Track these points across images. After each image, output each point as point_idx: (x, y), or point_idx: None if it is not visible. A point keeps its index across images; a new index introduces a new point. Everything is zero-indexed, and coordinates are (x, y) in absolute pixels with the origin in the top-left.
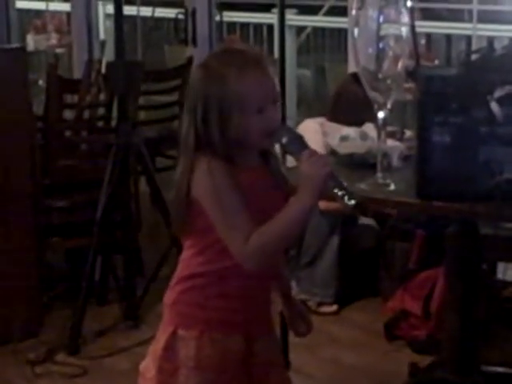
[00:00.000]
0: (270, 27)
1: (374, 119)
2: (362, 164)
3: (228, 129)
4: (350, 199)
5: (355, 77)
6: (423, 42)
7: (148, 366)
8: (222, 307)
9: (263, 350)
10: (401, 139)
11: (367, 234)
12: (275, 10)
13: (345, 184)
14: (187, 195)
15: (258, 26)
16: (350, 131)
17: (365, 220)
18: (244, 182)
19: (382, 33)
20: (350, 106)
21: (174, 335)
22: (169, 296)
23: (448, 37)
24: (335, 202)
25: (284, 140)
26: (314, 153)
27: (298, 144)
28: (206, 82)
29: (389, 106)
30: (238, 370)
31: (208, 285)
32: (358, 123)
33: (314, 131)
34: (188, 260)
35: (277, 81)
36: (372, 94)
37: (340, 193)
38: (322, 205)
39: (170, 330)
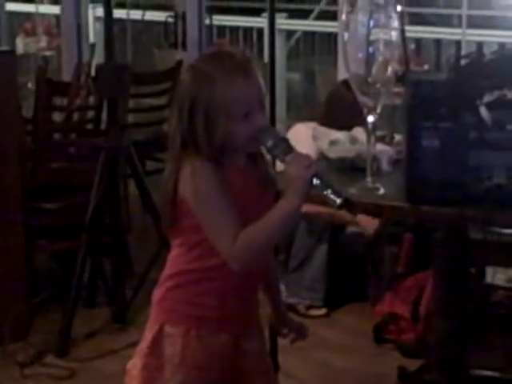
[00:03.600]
0: (260, 31)
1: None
2: (352, 168)
3: (214, 134)
4: (336, 198)
5: (347, 83)
6: (413, 46)
7: (135, 363)
8: (209, 305)
9: (252, 350)
10: (390, 143)
11: (357, 238)
12: (265, 14)
13: (331, 183)
14: (173, 195)
15: (247, 30)
16: (340, 135)
17: (354, 228)
18: (231, 182)
19: (372, 37)
20: (342, 113)
21: (160, 332)
22: (156, 294)
23: (437, 42)
24: (317, 204)
25: (269, 143)
26: (298, 155)
27: (283, 147)
28: (194, 86)
29: (378, 110)
30: (225, 369)
31: (196, 282)
32: (349, 128)
33: (305, 136)
34: (176, 258)
35: (263, 84)
36: (362, 99)
37: (326, 192)
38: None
39: (156, 327)
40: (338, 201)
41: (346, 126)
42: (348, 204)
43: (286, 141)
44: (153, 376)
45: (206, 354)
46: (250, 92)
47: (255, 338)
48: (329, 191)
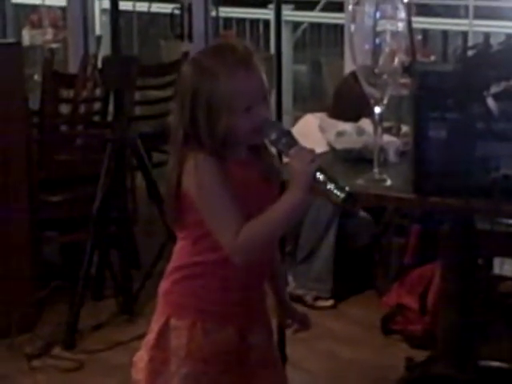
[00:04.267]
0: (267, 23)
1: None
2: (359, 159)
3: (216, 127)
4: (339, 193)
5: (355, 75)
6: (419, 37)
7: (141, 355)
8: (215, 298)
9: (258, 343)
10: (397, 135)
11: (364, 230)
12: (271, 6)
13: (334, 178)
14: (177, 189)
15: (254, 22)
16: (347, 127)
17: (362, 214)
18: (233, 175)
19: (379, 28)
20: (350, 104)
21: (166, 325)
22: (162, 286)
23: (444, 33)
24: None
25: (273, 136)
26: (302, 148)
27: (287, 140)
28: (196, 80)
29: (385, 101)
30: (231, 362)
31: (201, 275)
32: (357, 119)
33: (315, 127)
34: (181, 250)
35: (265, 78)
36: (368, 90)
37: (329, 187)
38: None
39: (162, 320)
40: (342, 196)
41: (355, 118)
42: (351, 199)
43: (289, 134)
44: (159, 369)
45: (211, 347)
46: (251, 86)
47: (262, 330)
48: (332, 186)
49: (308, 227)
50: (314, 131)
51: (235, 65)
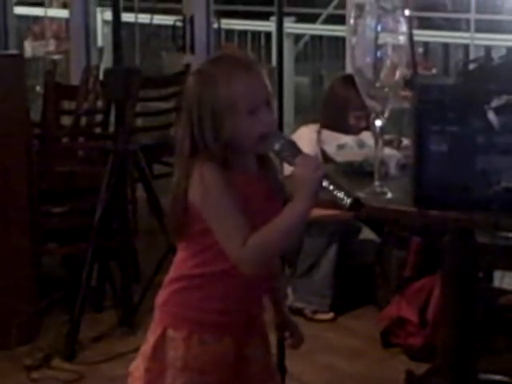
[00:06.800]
0: (268, 35)
1: (361, 118)
2: (359, 172)
3: (221, 132)
4: (346, 198)
5: (344, 80)
6: (421, 50)
7: (137, 365)
8: (213, 309)
9: (255, 354)
10: (398, 147)
11: (367, 248)
12: (273, 18)
13: (341, 184)
14: (185, 202)
15: (255, 34)
16: (348, 139)
17: (366, 235)
18: (240, 186)
19: (380, 41)
20: (337, 107)
21: (163, 335)
22: (160, 297)
23: (446, 46)
24: (326, 207)
25: (277, 147)
26: (307, 156)
27: (291, 150)
28: (199, 87)
29: (386, 114)
30: (228, 373)
31: (200, 286)
32: (348, 126)
33: (308, 139)
34: (181, 261)
35: (268, 83)
36: (369, 103)
37: (336, 193)
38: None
39: (159, 330)
40: (348, 201)
41: (343, 120)
42: (358, 204)
43: (293, 143)
44: (155, 379)
45: (208, 358)
46: (252, 88)
47: (259, 343)
48: (338, 192)
49: (310, 241)
50: (307, 145)
51: (235, 68)
